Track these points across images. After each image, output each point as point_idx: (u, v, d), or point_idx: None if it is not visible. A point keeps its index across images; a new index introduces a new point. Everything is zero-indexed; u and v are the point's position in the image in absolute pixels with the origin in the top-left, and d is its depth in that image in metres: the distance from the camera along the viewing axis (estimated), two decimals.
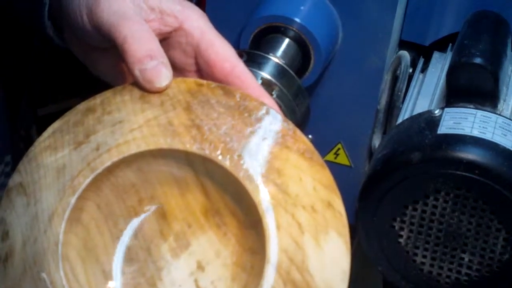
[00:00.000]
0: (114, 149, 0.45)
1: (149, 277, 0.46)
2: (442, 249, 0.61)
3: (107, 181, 0.45)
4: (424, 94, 0.73)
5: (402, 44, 0.79)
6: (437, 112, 0.64)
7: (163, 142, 0.45)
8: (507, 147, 0.60)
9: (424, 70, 0.77)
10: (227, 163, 0.44)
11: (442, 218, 0.60)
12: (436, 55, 0.78)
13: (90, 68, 0.54)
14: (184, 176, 0.46)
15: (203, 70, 0.50)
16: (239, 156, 0.44)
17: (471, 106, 0.64)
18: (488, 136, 0.60)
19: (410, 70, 0.77)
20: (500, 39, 0.70)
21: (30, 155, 0.46)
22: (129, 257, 0.46)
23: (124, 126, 0.45)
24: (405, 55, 0.77)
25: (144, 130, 0.45)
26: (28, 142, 0.86)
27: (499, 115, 0.63)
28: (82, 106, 0.47)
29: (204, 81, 0.47)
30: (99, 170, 0.44)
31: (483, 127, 0.61)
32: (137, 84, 0.47)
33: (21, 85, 0.77)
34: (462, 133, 0.60)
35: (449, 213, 0.60)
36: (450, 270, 0.62)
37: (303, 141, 0.46)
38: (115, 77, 0.53)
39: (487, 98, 0.64)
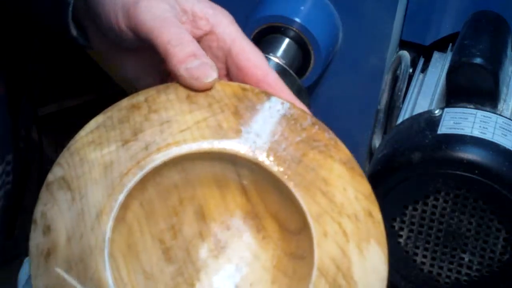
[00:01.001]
0: (164, 148, 0.45)
1: (187, 277, 0.46)
2: (442, 249, 0.61)
3: (152, 180, 0.45)
4: (424, 94, 0.73)
5: (402, 44, 0.79)
6: (437, 112, 0.64)
7: (214, 145, 0.45)
8: (507, 147, 0.60)
9: (424, 70, 0.77)
10: (275, 169, 0.45)
11: (442, 218, 0.60)
12: (436, 55, 0.78)
13: (113, 70, 0.54)
14: (226, 179, 0.46)
15: (234, 76, 0.50)
16: (288, 163, 0.45)
17: (471, 106, 0.64)
18: (488, 136, 0.60)
19: (410, 70, 0.77)
20: (500, 39, 0.70)
21: (71, 149, 0.46)
22: (168, 257, 0.46)
23: (172, 126, 0.45)
24: (405, 55, 0.77)
25: (194, 132, 0.45)
26: (28, 141, 0.86)
27: (499, 115, 0.63)
28: (125, 102, 0.47)
29: (248, 86, 0.48)
30: (148, 169, 0.44)
31: (483, 127, 0.61)
32: (182, 84, 0.47)
33: (22, 85, 0.77)
34: (462, 133, 0.60)
35: (449, 213, 0.60)
36: (450, 270, 0.62)
37: (344, 151, 0.47)
38: (140, 79, 0.53)
39: (487, 98, 0.64)
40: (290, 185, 0.45)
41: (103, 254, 0.43)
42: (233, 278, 0.46)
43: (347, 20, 0.73)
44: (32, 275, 0.44)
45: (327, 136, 0.47)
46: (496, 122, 0.62)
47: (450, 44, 0.77)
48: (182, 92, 0.47)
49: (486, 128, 0.61)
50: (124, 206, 0.44)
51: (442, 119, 0.62)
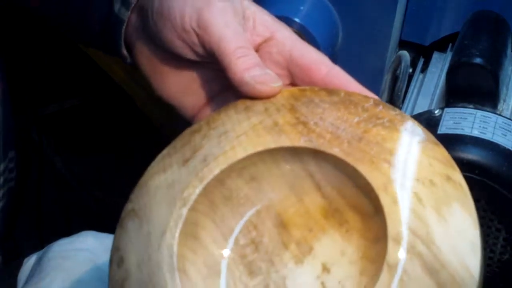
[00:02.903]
0: (221, 156, 0.44)
1: (273, 287, 0.44)
2: None
3: (218, 193, 0.44)
4: (424, 94, 0.73)
5: (402, 44, 0.79)
6: (437, 112, 0.64)
7: (270, 141, 0.44)
8: (507, 147, 0.60)
9: (424, 70, 0.77)
10: (336, 151, 0.43)
11: None
12: (436, 55, 0.78)
13: (157, 86, 0.54)
14: (298, 179, 0.45)
15: (298, 78, 0.49)
16: (348, 142, 0.43)
17: (471, 106, 0.64)
18: (488, 136, 0.60)
19: (410, 70, 0.77)
20: (500, 39, 0.70)
21: (140, 183, 0.46)
22: (251, 271, 0.45)
23: (229, 135, 0.45)
24: (405, 55, 0.77)
25: (249, 134, 0.45)
26: (28, 142, 0.86)
27: (499, 115, 0.63)
28: (187, 130, 0.47)
29: (307, 87, 0.47)
30: (208, 180, 0.43)
31: (483, 127, 0.61)
32: (246, 93, 0.47)
33: (22, 85, 0.77)
34: (462, 133, 0.60)
35: None
36: None
37: (413, 123, 0.45)
38: (180, 96, 0.53)
39: (487, 98, 0.64)
40: (351, 161, 0.43)
41: (172, 268, 0.42)
42: (321, 279, 0.44)
43: (347, 20, 0.73)
44: None
45: (392, 113, 0.45)
46: (496, 122, 0.62)
47: (450, 44, 0.77)
48: (241, 105, 0.47)
49: (486, 128, 0.61)
50: (192, 222, 0.43)
51: (442, 119, 0.62)
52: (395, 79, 0.76)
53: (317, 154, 0.44)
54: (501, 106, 0.65)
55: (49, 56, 1.25)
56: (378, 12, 0.72)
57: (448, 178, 0.43)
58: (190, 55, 0.50)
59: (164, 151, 0.47)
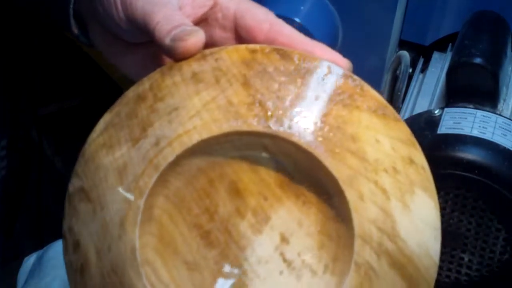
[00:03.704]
0: (175, 141, 0.42)
1: (233, 259, 0.44)
2: (442, 249, 0.61)
3: (173, 172, 0.43)
4: (424, 94, 0.73)
5: (402, 44, 0.79)
6: (437, 112, 0.64)
7: (227, 126, 0.42)
8: (507, 147, 0.60)
9: (424, 70, 0.77)
10: (296, 138, 0.42)
11: (442, 218, 0.60)
12: (436, 55, 0.78)
13: (118, 65, 0.53)
14: (254, 155, 0.43)
15: (245, 39, 0.48)
16: (308, 129, 0.42)
17: (471, 106, 0.64)
18: (488, 136, 0.60)
19: (410, 70, 0.77)
20: (500, 39, 0.70)
21: (86, 155, 0.44)
22: (209, 242, 0.44)
23: (181, 114, 0.42)
24: (405, 55, 0.77)
25: (204, 116, 0.42)
26: (28, 142, 0.86)
27: (499, 115, 0.63)
28: (131, 93, 0.44)
29: (258, 46, 0.44)
30: (163, 167, 0.42)
31: (483, 127, 0.61)
32: (171, 57, 0.44)
33: (21, 84, 0.77)
34: (462, 133, 0.60)
35: (448, 213, 0.60)
36: (449, 270, 0.62)
37: (373, 96, 0.43)
38: (142, 75, 0.53)
39: (487, 98, 0.64)
40: (315, 152, 0.41)
41: (135, 263, 0.41)
42: (280, 249, 0.43)
43: (347, 20, 0.73)
44: None
45: (351, 84, 0.43)
46: (495, 122, 0.62)
47: (450, 44, 0.77)
48: (187, 71, 0.44)
49: (486, 128, 0.61)
50: (148, 206, 0.42)
51: (441, 119, 0.62)
52: (395, 79, 0.76)
53: (275, 139, 0.42)
54: (501, 106, 0.65)
55: (49, 56, 1.25)
56: (378, 12, 0.72)
57: (411, 162, 0.42)
58: (134, 39, 0.50)
59: (107, 116, 0.44)
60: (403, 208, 0.41)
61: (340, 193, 0.41)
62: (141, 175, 0.42)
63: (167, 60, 0.50)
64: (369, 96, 0.43)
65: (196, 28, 0.44)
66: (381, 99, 0.43)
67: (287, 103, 0.42)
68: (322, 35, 0.71)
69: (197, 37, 0.44)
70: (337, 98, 0.42)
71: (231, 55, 0.44)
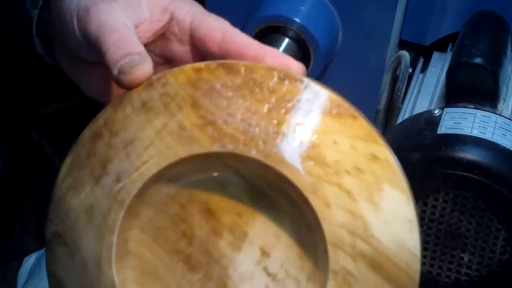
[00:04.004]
0: (134, 174, 0.42)
1: (217, 279, 0.44)
2: (442, 249, 0.61)
3: (141, 204, 0.43)
4: (424, 94, 0.73)
5: (402, 44, 0.79)
6: (437, 112, 0.64)
7: (182, 152, 0.42)
8: (507, 147, 0.60)
9: (424, 70, 0.77)
10: (253, 153, 0.41)
11: (442, 218, 0.60)
12: (436, 55, 0.78)
13: (81, 87, 0.52)
14: (217, 170, 0.43)
15: (201, 51, 0.47)
16: (264, 141, 0.41)
17: (471, 106, 0.64)
18: (488, 136, 0.60)
19: (410, 70, 0.77)
20: (500, 39, 0.70)
21: (55, 199, 0.44)
22: (191, 266, 0.44)
23: (136, 146, 0.42)
24: (405, 55, 0.77)
25: (158, 144, 0.42)
26: (28, 142, 0.86)
27: (499, 115, 0.63)
28: (87, 132, 0.44)
29: (202, 64, 0.43)
30: (128, 201, 0.42)
31: (483, 127, 0.61)
32: (121, 86, 0.44)
33: (21, 85, 0.77)
34: (462, 133, 0.60)
35: (448, 213, 0.60)
36: (449, 270, 0.62)
37: (324, 96, 0.42)
38: (104, 95, 0.51)
39: (487, 98, 0.64)
40: (273, 164, 0.41)
41: None
42: (262, 263, 0.43)
43: (347, 20, 0.73)
44: None
45: (300, 87, 0.42)
46: (495, 122, 0.62)
47: (450, 44, 0.77)
48: (137, 101, 0.43)
49: (486, 128, 0.61)
50: (122, 241, 0.43)
51: (441, 119, 0.62)
52: (395, 79, 0.76)
53: (234, 156, 0.42)
54: (501, 106, 0.65)
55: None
56: (378, 12, 0.72)
57: (374, 157, 0.41)
58: (92, 59, 0.49)
59: (69, 159, 0.44)
60: (372, 208, 0.41)
61: (306, 202, 0.41)
62: (108, 213, 0.42)
63: None
64: (321, 97, 0.42)
65: (143, 57, 0.44)
66: (334, 97, 0.42)
67: (239, 118, 0.41)
68: (322, 35, 0.71)
69: (142, 70, 0.43)
70: (288, 104, 0.42)
71: (177, 78, 0.43)
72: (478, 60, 0.64)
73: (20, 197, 0.84)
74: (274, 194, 0.43)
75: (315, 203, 0.41)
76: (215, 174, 0.43)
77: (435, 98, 0.70)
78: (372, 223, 0.40)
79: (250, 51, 0.45)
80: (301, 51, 0.71)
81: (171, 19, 0.48)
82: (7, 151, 0.74)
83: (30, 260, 0.73)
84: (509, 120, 0.63)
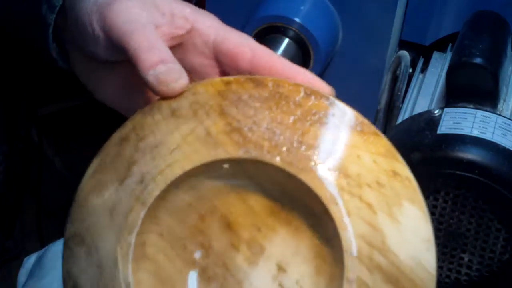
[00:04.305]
0: (158, 176, 0.43)
1: None
2: (442, 249, 0.61)
3: (162, 208, 0.43)
4: (424, 94, 0.73)
5: (402, 44, 0.79)
6: (437, 112, 0.64)
7: (207, 156, 0.43)
8: (507, 147, 0.60)
9: (424, 70, 0.77)
10: (277, 160, 0.42)
11: (442, 218, 0.60)
12: (436, 55, 0.78)
13: (94, 91, 0.52)
14: (239, 181, 0.44)
15: (226, 65, 0.48)
16: (288, 150, 0.42)
17: (471, 106, 0.64)
18: (488, 136, 0.60)
19: (410, 70, 0.77)
20: (500, 39, 0.70)
21: (78, 201, 0.45)
22: (207, 277, 0.44)
23: (162, 149, 0.43)
24: (405, 55, 0.77)
25: (184, 149, 0.43)
26: (28, 142, 0.86)
27: (499, 115, 0.63)
28: (114, 138, 0.45)
29: (232, 77, 0.45)
30: (150, 202, 0.43)
31: (483, 127, 0.61)
32: (152, 91, 0.45)
33: (21, 85, 0.77)
34: (462, 133, 0.60)
35: (448, 213, 0.60)
36: (449, 270, 0.62)
37: (350, 113, 0.43)
38: (120, 98, 0.52)
39: (487, 98, 0.64)
40: (296, 172, 0.42)
41: None
42: (278, 279, 0.44)
43: (347, 20, 0.73)
44: None
45: (325, 103, 0.43)
46: (495, 122, 0.62)
47: (450, 44, 0.77)
48: (166, 108, 0.45)
49: (486, 128, 0.61)
50: (140, 244, 0.43)
51: (441, 119, 0.62)
52: (395, 79, 0.76)
53: (256, 164, 0.43)
54: (501, 106, 0.65)
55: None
56: (378, 12, 0.72)
57: (395, 174, 0.42)
58: (111, 58, 0.49)
59: (95, 162, 0.45)
60: (391, 222, 0.41)
61: (325, 211, 0.41)
62: (129, 212, 0.43)
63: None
64: (347, 113, 0.43)
65: (181, 70, 0.45)
66: (357, 115, 0.43)
67: (264, 127, 0.43)
68: (322, 35, 0.71)
69: (181, 84, 0.44)
70: (313, 118, 0.43)
71: (207, 88, 0.44)
72: (478, 60, 0.64)
73: (20, 197, 0.84)
74: (294, 208, 0.44)
75: (335, 212, 0.41)
76: (237, 183, 0.44)
77: (435, 98, 0.70)
78: (391, 237, 0.41)
79: (283, 69, 0.46)
80: (301, 51, 0.71)
81: (192, 30, 0.48)
82: (7, 151, 0.74)
83: (30, 260, 0.73)
84: (509, 120, 0.63)
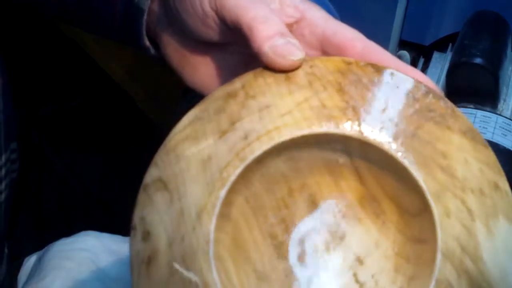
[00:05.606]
0: (264, 136, 0.41)
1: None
2: None
3: (257, 172, 0.42)
4: None
5: (402, 44, 0.79)
6: None
7: (317, 126, 0.41)
8: (507, 147, 0.60)
9: (424, 70, 0.77)
10: (387, 147, 0.41)
11: None
12: (436, 55, 0.78)
13: (185, 76, 0.52)
14: (337, 163, 0.43)
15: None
16: (401, 139, 0.41)
17: (471, 106, 0.64)
18: (488, 136, 0.60)
19: None
20: (500, 39, 0.70)
21: (167, 147, 0.43)
22: (281, 253, 0.43)
23: (272, 111, 0.42)
24: (405, 55, 0.77)
25: (295, 115, 0.41)
26: (28, 142, 0.86)
27: (499, 115, 0.63)
28: (220, 92, 0.44)
29: (352, 59, 0.44)
30: (249, 160, 0.41)
31: (483, 127, 0.61)
32: (266, 65, 0.44)
33: (22, 85, 0.77)
34: None
35: None
36: None
37: (463, 119, 0.43)
38: (212, 83, 0.52)
39: (487, 98, 0.64)
40: (405, 162, 0.41)
41: (207, 256, 0.40)
42: (353, 269, 0.43)
43: (347, 20, 0.73)
44: (133, 283, 0.42)
45: (442, 104, 0.43)
46: (496, 122, 0.62)
47: (450, 44, 0.77)
48: (281, 74, 0.43)
49: (486, 128, 0.61)
50: (228, 202, 0.41)
51: None
52: None
53: (365, 145, 0.42)
54: (501, 106, 0.65)
55: (49, 56, 1.25)
56: (378, 12, 0.72)
57: (496, 187, 0.42)
58: (216, 37, 0.48)
59: (193, 112, 0.43)
60: (486, 232, 0.41)
61: (427, 206, 0.41)
62: (225, 166, 0.41)
63: (252, 66, 0.48)
64: (460, 119, 0.43)
65: (298, 44, 0.44)
66: (470, 124, 0.43)
67: (380, 112, 0.42)
68: None
69: (299, 58, 0.43)
70: (429, 115, 0.42)
71: (326, 64, 0.44)
72: (478, 60, 0.64)
73: (20, 197, 0.84)
74: (387, 202, 0.43)
75: (437, 209, 0.41)
76: (338, 162, 0.43)
77: None
78: (483, 246, 0.40)
79: (393, 65, 0.45)
80: None
81: (302, 18, 0.48)
82: (20, 153, 0.74)
83: (30, 260, 0.73)
84: (509, 120, 0.63)
